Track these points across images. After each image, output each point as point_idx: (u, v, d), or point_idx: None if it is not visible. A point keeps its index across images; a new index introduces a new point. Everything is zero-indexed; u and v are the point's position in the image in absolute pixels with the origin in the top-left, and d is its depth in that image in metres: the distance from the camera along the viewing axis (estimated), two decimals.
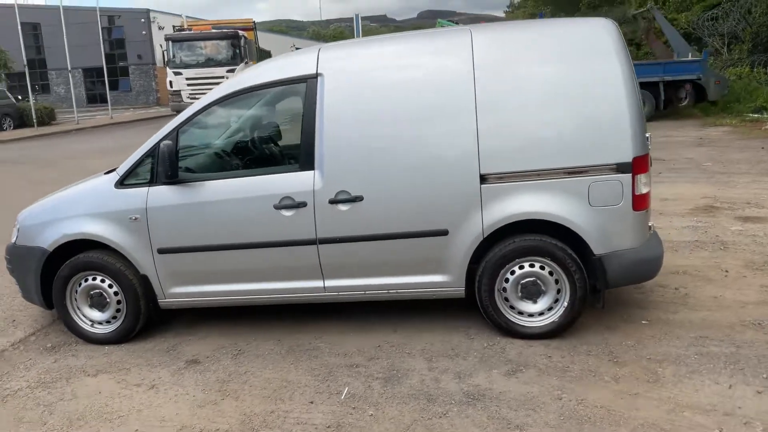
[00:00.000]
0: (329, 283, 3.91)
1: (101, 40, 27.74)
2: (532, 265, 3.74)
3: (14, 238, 4.29)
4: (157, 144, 3.88)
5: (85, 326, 4.19)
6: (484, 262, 3.75)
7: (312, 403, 3.29)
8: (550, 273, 3.73)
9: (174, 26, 21.46)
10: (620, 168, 3.56)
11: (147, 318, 4.16)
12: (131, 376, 3.74)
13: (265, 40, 28.50)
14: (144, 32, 36.68)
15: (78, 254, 4.09)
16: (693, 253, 5.31)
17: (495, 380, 3.39)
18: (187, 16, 31.17)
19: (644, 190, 3.64)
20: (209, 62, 19.06)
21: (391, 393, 3.33)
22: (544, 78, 3.61)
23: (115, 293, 4.10)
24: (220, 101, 3.94)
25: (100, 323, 4.18)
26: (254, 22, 21.68)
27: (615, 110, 3.55)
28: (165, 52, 18.66)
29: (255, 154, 4.23)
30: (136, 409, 3.35)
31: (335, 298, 3.98)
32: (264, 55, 22.39)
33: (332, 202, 3.74)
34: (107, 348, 4.14)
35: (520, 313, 3.81)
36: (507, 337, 3.84)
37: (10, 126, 22.05)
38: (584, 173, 3.58)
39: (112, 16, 38.15)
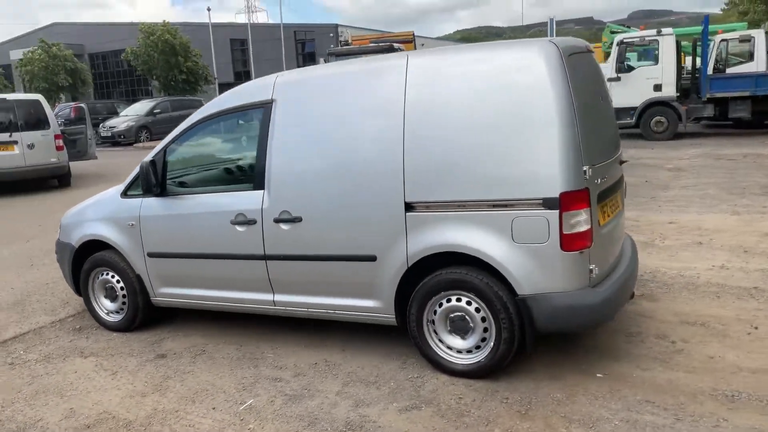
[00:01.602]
0: (278, 297, 4.11)
1: (283, 55, 30.60)
2: (459, 300, 3.56)
3: (58, 234, 5.14)
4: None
5: (102, 314, 4.88)
6: (414, 292, 3.66)
7: (214, 409, 3.52)
8: (477, 310, 3.52)
9: (341, 41, 22.87)
10: (546, 203, 3.24)
11: (145, 313, 4.70)
12: (109, 361, 4.29)
13: None
14: (332, 45, 39.62)
15: (96, 252, 4.79)
16: (737, 302, 4.53)
17: (385, 414, 3.32)
18: (351, 30, 32.87)
19: (580, 229, 3.27)
20: None
21: (284, 411, 3.43)
22: (472, 107, 3.42)
23: (122, 288, 4.73)
24: (199, 123, 4.35)
25: (112, 312, 4.85)
26: (413, 34, 22.23)
27: (544, 141, 3.25)
28: None
29: (221, 172, 4.57)
30: (87, 390, 3.87)
31: (284, 313, 4.17)
32: None
33: (276, 221, 3.93)
34: (114, 334, 4.77)
35: (450, 347, 3.65)
36: (437, 372, 3.70)
37: None
38: (508, 207, 3.33)
39: (304, 31, 41.81)
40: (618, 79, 15.02)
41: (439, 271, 3.58)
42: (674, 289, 4.87)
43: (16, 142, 11.75)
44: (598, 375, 3.58)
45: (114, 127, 24.24)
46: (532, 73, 3.30)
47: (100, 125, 24.17)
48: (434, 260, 3.59)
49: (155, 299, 4.63)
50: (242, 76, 45.03)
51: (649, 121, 15.10)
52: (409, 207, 3.56)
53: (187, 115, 4.55)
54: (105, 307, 4.88)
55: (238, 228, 4.06)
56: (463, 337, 3.61)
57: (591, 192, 3.32)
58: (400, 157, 3.55)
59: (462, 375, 3.61)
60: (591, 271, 3.36)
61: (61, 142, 12.30)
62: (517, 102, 3.33)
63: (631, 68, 15.48)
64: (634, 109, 15.08)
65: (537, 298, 3.33)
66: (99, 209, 4.79)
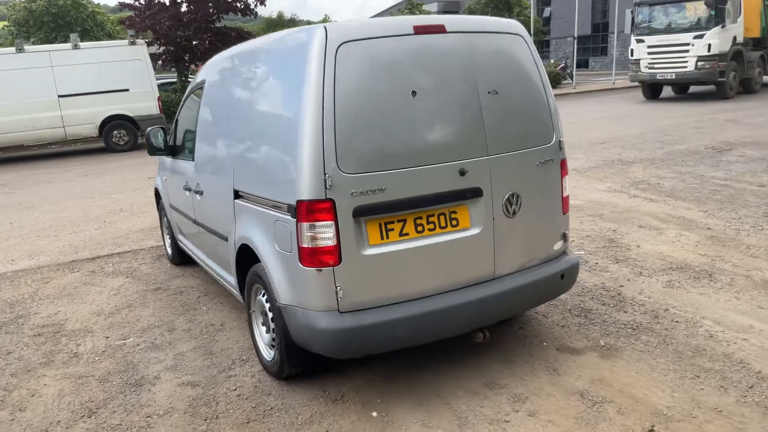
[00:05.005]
0: (207, 260, 4.58)
1: None
2: (264, 294, 3.49)
3: None
4: None
5: (167, 246, 6.07)
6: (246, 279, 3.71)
7: (107, 338, 4.26)
8: (270, 309, 3.41)
9: None
10: (290, 210, 2.95)
11: (179, 252, 5.69)
12: (131, 284, 5.41)
13: None
14: None
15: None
16: (707, 391, 3.11)
17: (167, 383, 3.56)
18: None
19: (320, 244, 2.86)
20: (674, 28, 16.91)
21: (128, 356, 3.95)
22: (261, 97, 3.37)
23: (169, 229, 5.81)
24: (185, 98, 4.99)
25: (169, 246, 6.00)
26: None
27: (293, 142, 2.92)
28: (633, 19, 17.71)
29: (190, 143, 5.06)
30: (86, 302, 5.04)
31: (211, 275, 4.61)
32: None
33: (194, 192, 4.38)
34: (168, 266, 5.91)
35: (263, 339, 3.62)
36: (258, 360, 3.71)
37: None
38: (276, 209, 3.11)
39: None
40: None
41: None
42: (663, 352, 3.55)
43: None
44: (373, 414, 3.10)
45: None
46: (293, 65, 2.97)
47: None
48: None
49: (179, 243, 5.57)
50: (599, 28, 42.64)
51: None
52: (236, 194, 3.60)
53: None
54: (167, 242, 6.06)
55: (186, 193, 4.64)
56: (268, 332, 3.54)
57: (339, 204, 2.85)
58: (235, 143, 3.60)
59: (266, 369, 3.57)
60: (337, 290, 2.91)
61: None
62: (284, 96, 3.07)
63: None
64: None
65: (287, 310, 3.09)
66: (161, 162, 5.90)
